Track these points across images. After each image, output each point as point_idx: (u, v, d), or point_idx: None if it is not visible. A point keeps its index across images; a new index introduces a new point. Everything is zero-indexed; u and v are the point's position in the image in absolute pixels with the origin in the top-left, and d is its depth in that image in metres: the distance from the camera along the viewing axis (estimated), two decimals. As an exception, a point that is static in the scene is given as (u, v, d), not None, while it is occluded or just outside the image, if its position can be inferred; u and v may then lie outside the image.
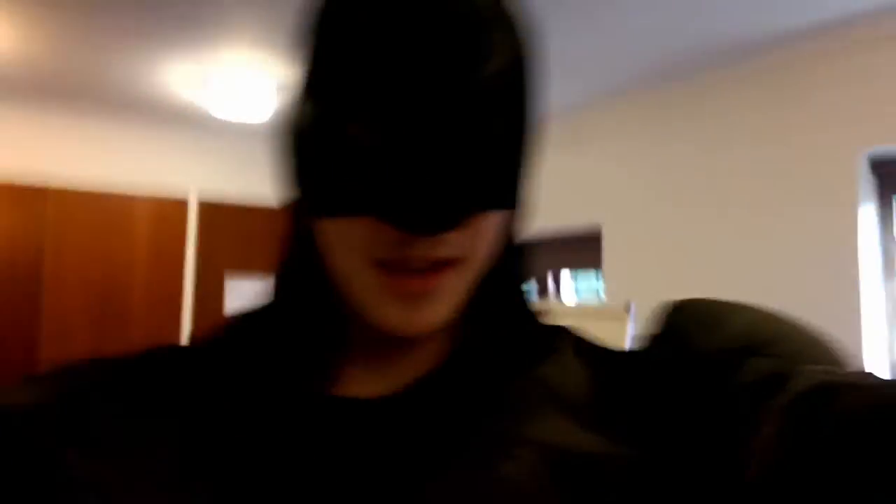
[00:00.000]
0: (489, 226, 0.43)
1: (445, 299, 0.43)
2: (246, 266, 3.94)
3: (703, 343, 0.43)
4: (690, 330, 0.44)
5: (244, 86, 2.87)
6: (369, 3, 0.39)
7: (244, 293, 3.92)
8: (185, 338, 3.63)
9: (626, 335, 2.21)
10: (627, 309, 2.28)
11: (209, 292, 3.88)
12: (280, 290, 0.51)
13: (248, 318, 0.52)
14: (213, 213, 3.92)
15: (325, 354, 0.48)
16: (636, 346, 0.50)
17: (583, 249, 3.34)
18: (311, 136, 0.42)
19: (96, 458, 0.41)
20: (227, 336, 0.51)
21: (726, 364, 0.41)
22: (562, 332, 0.52)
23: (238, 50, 2.55)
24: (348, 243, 0.42)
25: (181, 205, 3.84)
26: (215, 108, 3.15)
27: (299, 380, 0.47)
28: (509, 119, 0.42)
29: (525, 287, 0.53)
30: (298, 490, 0.42)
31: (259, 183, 3.85)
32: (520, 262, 0.52)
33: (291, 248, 0.50)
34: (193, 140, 3.84)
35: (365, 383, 0.47)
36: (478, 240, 0.43)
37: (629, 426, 0.44)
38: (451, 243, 0.41)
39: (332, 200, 0.42)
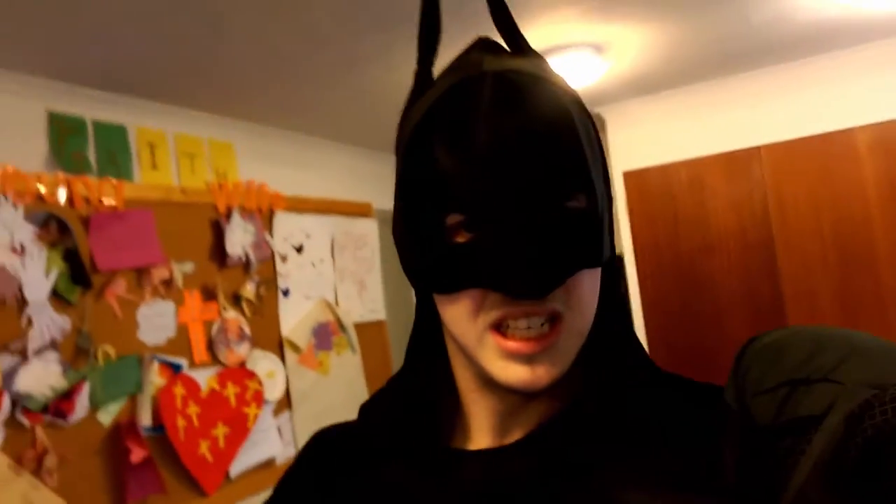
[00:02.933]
0: (584, 284, 0.49)
1: (559, 357, 0.48)
2: None
3: (758, 380, 0.46)
4: (753, 366, 0.47)
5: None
6: (466, 117, 0.47)
7: None
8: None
9: None
10: None
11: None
12: (411, 357, 0.62)
13: (390, 389, 0.63)
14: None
15: (448, 413, 0.57)
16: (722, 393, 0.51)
17: None
18: (416, 229, 0.50)
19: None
20: (374, 409, 0.62)
21: (774, 401, 0.43)
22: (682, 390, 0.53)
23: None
24: (466, 315, 0.49)
25: (909, 121, 3.20)
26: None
27: (427, 439, 0.56)
28: (588, 211, 0.48)
29: (634, 341, 0.56)
30: None
31: None
32: (623, 317, 0.56)
33: (418, 320, 0.61)
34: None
35: (489, 435, 0.54)
36: (576, 298, 0.48)
37: (713, 473, 0.45)
38: (553, 302, 0.47)
39: (440, 280, 0.49)
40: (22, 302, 2.03)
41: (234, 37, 2.14)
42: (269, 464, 2.81)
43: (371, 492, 0.55)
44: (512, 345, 0.47)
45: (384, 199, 3.97)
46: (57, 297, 2.11)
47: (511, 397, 0.51)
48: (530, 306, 0.46)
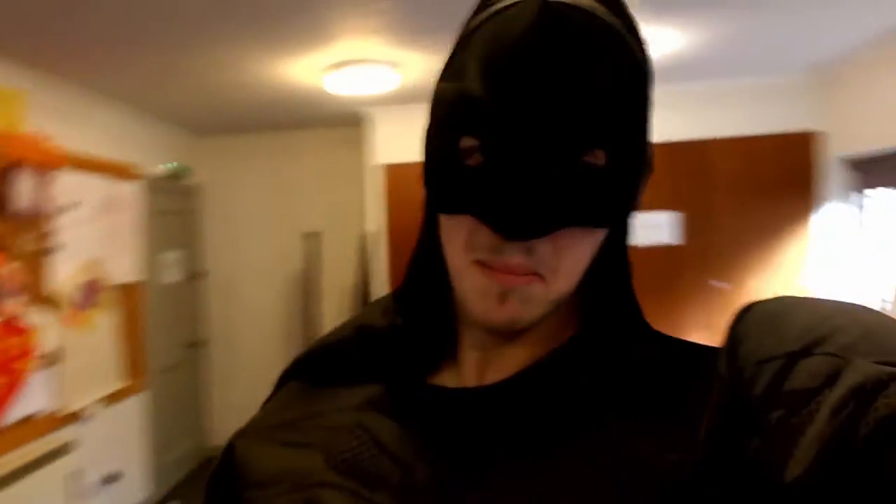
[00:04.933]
0: (575, 246, 0.47)
1: (529, 302, 0.47)
2: (645, 203, 4.24)
3: (753, 350, 0.40)
4: (749, 335, 0.41)
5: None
6: (501, 44, 0.45)
7: (648, 225, 4.24)
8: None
9: None
10: None
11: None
12: (409, 280, 0.60)
13: (382, 311, 0.61)
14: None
15: (440, 348, 0.56)
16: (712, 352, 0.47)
17: None
18: (434, 144, 0.49)
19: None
20: (358, 334, 0.61)
21: (774, 372, 0.38)
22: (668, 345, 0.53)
23: None
24: (455, 242, 0.49)
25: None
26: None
27: (410, 373, 0.56)
28: (610, 167, 0.46)
29: (631, 302, 0.56)
30: (396, 471, 0.50)
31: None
32: (623, 277, 0.55)
33: (420, 241, 0.59)
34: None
35: (473, 375, 0.54)
36: (563, 259, 0.47)
37: (693, 435, 0.43)
38: (537, 258, 0.46)
39: (444, 198, 0.48)
40: None
41: None
42: (35, 417, 2.85)
43: (340, 421, 0.55)
44: (489, 276, 0.47)
45: (150, 165, 4.05)
46: None
47: (492, 337, 0.52)
48: (514, 258, 0.45)
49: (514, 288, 0.47)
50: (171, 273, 4.41)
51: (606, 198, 0.46)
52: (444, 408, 0.53)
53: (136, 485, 3.82)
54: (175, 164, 4.40)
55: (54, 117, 3.11)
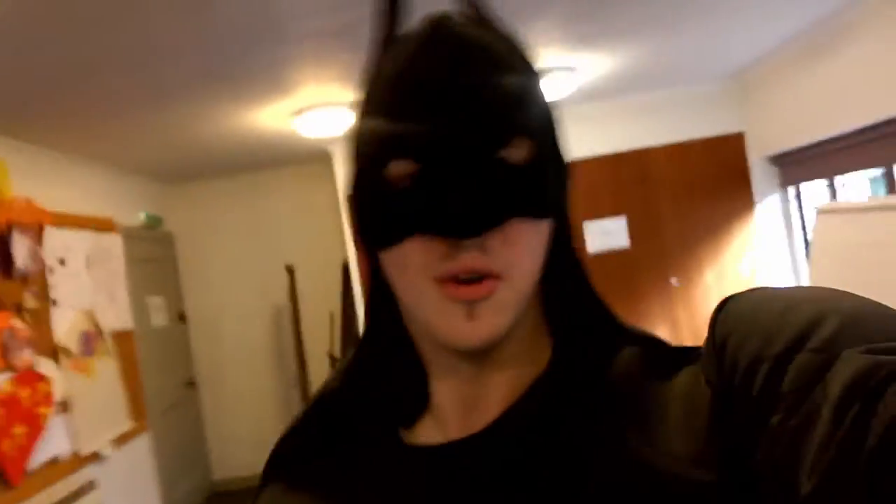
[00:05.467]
0: (525, 238, 0.46)
1: (498, 309, 0.46)
2: (597, 211, 4.62)
3: (738, 353, 0.40)
4: (731, 337, 0.42)
5: (548, 75, 3.57)
6: (412, 75, 0.46)
7: (600, 232, 4.62)
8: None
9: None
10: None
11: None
12: (367, 336, 0.57)
13: (343, 374, 0.58)
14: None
15: (413, 401, 0.53)
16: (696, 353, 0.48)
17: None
18: (360, 182, 0.49)
19: None
20: (319, 409, 0.57)
21: (765, 375, 0.37)
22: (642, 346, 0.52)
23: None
24: (406, 270, 0.47)
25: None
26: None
27: (384, 434, 0.53)
28: (535, 159, 0.46)
29: (595, 301, 0.54)
30: None
31: (587, 140, 4.52)
32: (579, 276, 0.54)
33: (371, 292, 0.56)
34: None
35: (454, 422, 0.51)
36: (516, 253, 0.46)
37: (696, 445, 0.42)
38: (493, 256, 0.45)
39: (385, 231, 0.47)
40: None
41: (24, 60, 2.50)
42: (57, 459, 3.03)
43: (336, 493, 0.52)
44: (451, 292, 0.45)
45: (127, 217, 4.26)
46: None
47: (467, 368, 0.50)
48: (470, 260, 0.44)
49: (479, 299, 0.45)
50: (158, 317, 4.60)
51: (538, 186, 0.47)
52: (431, 469, 0.49)
53: (151, 522, 3.98)
54: (146, 214, 4.61)
55: (35, 181, 3.31)
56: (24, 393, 2.86)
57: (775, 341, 0.38)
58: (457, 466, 0.48)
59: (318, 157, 4.64)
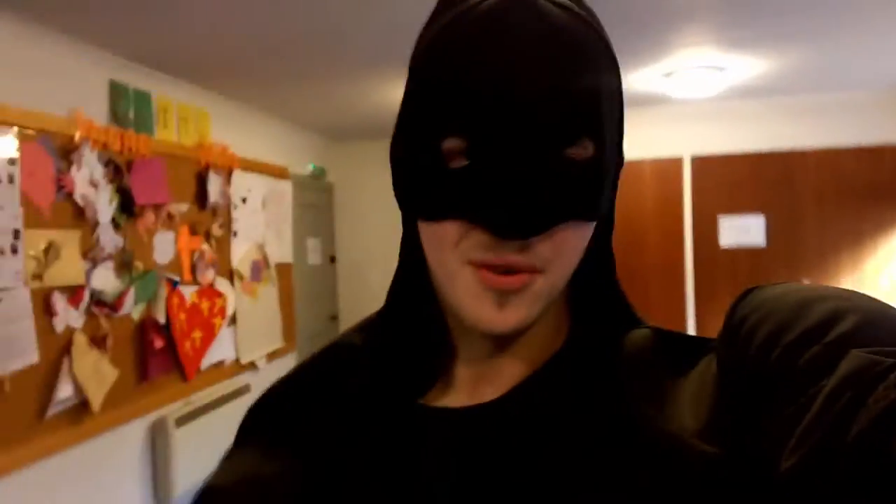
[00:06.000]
0: (570, 239, 0.46)
1: (530, 300, 0.46)
2: (734, 207, 4.64)
3: (751, 339, 0.40)
4: (747, 323, 0.41)
5: (696, 74, 3.65)
6: (481, 48, 0.43)
7: (735, 227, 4.64)
8: (687, 265, 4.53)
9: None
10: None
11: (704, 230, 4.76)
12: (393, 297, 0.57)
13: (365, 330, 0.58)
14: (702, 165, 4.76)
15: (429, 365, 0.52)
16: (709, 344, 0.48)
17: None
18: (412, 149, 0.47)
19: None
20: (344, 351, 0.57)
21: (772, 363, 0.38)
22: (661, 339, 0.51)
23: (689, 48, 3.36)
24: (443, 246, 0.46)
25: (677, 162, 4.80)
26: (678, 92, 3.99)
27: (401, 394, 0.52)
28: (596, 162, 0.45)
29: (617, 294, 0.54)
30: (392, 498, 0.46)
31: (735, 138, 4.50)
32: (608, 271, 0.54)
33: (404, 253, 0.55)
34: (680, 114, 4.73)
35: (466, 391, 0.51)
36: (559, 252, 0.45)
37: (704, 425, 0.42)
38: (535, 253, 0.44)
39: (429, 205, 0.46)
40: (95, 223, 2.74)
41: (239, 26, 3.00)
42: (223, 363, 3.68)
43: (330, 450, 0.50)
44: (488, 278, 0.44)
45: (297, 166, 4.86)
46: (113, 221, 2.84)
47: (487, 345, 0.50)
48: (512, 256, 0.44)
49: (513, 290, 0.45)
50: (313, 256, 5.22)
51: (596, 189, 0.46)
52: (439, 429, 0.49)
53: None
54: (314, 165, 5.21)
55: (228, 130, 3.92)
56: (205, 305, 3.49)
57: (792, 329, 0.38)
58: (472, 429, 0.48)
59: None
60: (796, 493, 0.34)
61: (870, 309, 0.38)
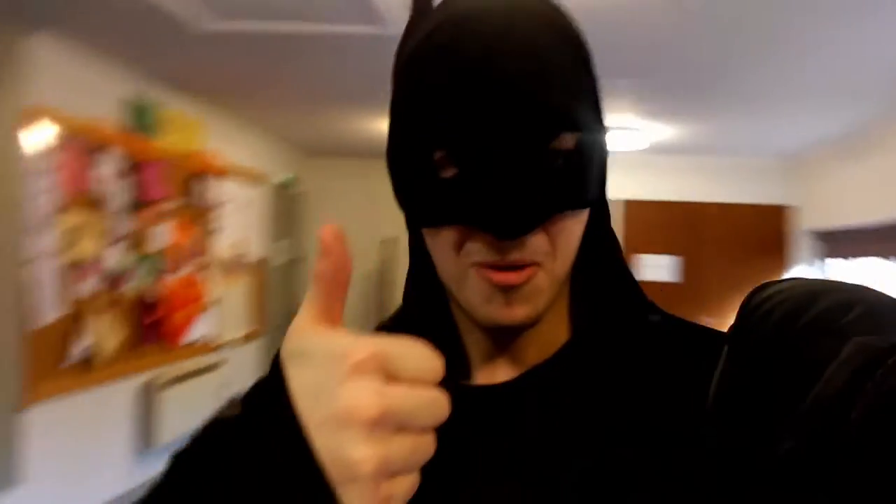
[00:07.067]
0: (565, 230, 0.47)
1: (535, 293, 0.47)
2: (652, 247, 5.38)
3: (762, 329, 0.42)
4: (757, 315, 0.43)
5: (619, 133, 4.39)
6: (454, 60, 0.44)
7: (652, 266, 5.41)
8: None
9: None
10: None
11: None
12: (406, 298, 0.60)
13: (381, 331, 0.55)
14: (633, 209, 5.51)
15: (455, 351, 0.54)
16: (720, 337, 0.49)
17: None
18: (405, 160, 0.48)
19: None
20: None
21: (779, 353, 0.39)
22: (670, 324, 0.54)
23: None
24: (446, 250, 0.48)
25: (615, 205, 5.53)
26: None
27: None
28: (579, 153, 0.46)
29: (626, 277, 0.56)
30: (444, 470, 0.44)
31: (658, 188, 5.30)
32: (613, 255, 0.56)
33: (412, 256, 0.58)
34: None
35: (479, 375, 0.53)
36: (557, 243, 0.47)
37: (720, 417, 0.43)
38: (533, 249, 0.46)
39: (426, 213, 0.48)
40: (110, 211, 3.32)
41: (277, 65, 3.63)
42: (204, 338, 4.28)
43: None
44: (493, 276, 0.46)
45: (276, 175, 5.48)
46: (124, 211, 3.42)
47: (500, 337, 0.52)
48: (512, 254, 0.45)
49: (518, 286, 0.46)
50: (284, 256, 5.83)
51: (582, 177, 0.46)
52: (457, 405, 0.47)
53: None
54: (289, 175, 5.83)
55: (217, 137, 4.50)
56: (190, 289, 4.07)
57: (801, 318, 0.40)
58: (481, 405, 0.50)
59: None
60: (794, 475, 0.35)
61: (875, 301, 0.39)
